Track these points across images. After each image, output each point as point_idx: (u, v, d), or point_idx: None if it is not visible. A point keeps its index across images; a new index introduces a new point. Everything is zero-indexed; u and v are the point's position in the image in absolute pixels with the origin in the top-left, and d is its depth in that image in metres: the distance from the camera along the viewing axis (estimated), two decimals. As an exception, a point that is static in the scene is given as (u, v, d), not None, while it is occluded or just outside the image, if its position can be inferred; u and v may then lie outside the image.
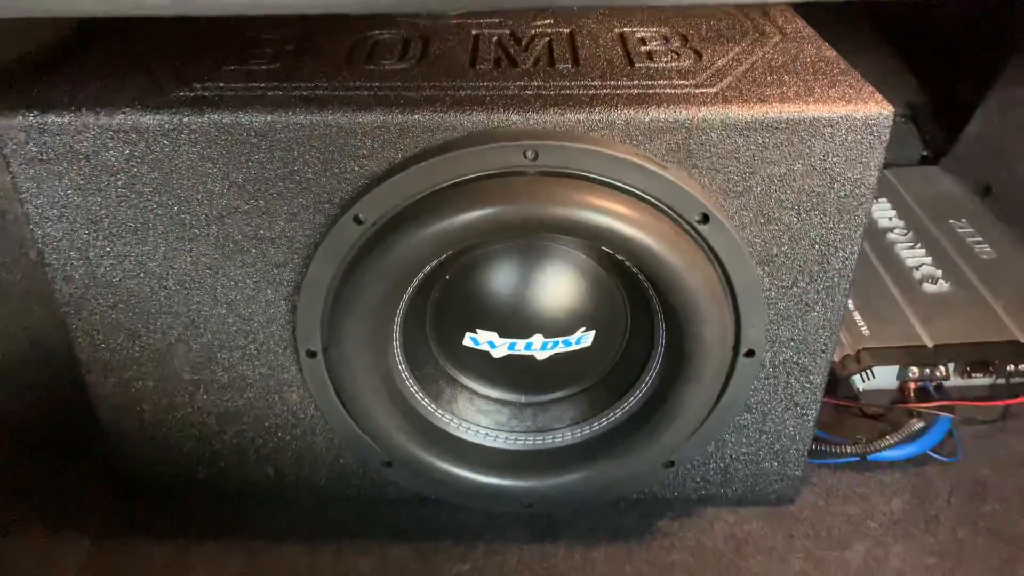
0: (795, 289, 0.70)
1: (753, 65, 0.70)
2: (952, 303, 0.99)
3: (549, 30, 0.78)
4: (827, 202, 0.66)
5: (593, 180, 0.63)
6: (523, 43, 0.75)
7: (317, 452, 0.80)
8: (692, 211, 0.64)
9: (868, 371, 0.93)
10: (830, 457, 0.86)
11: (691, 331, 0.67)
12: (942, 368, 0.93)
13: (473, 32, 0.78)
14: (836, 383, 0.93)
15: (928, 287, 1.02)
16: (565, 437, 0.76)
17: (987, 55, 1.32)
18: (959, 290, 1.01)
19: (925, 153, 1.40)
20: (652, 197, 0.64)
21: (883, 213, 1.17)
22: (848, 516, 0.81)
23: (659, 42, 0.75)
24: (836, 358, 0.93)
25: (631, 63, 0.70)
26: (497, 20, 0.79)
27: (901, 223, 1.15)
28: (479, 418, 0.77)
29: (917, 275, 1.04)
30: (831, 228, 0.67)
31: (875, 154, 0.63)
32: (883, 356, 0.92)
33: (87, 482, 0.85)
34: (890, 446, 0.85)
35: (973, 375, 0.93)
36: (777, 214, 0.66)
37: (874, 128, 0.62)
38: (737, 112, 0.62)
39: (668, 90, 0.65)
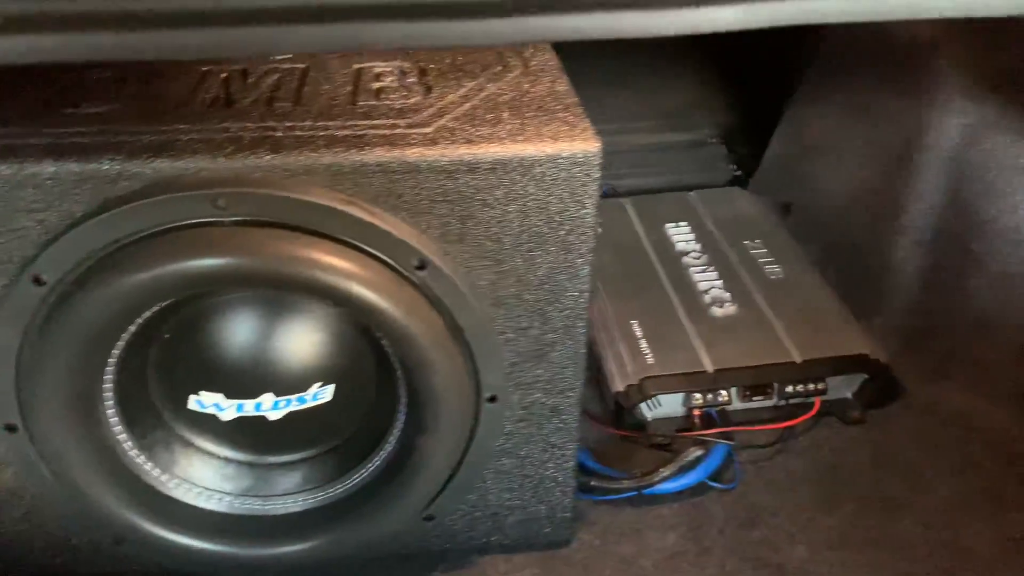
0: (532, 330, 0.67)
1: (481, 102, 0.67)
2: (737, 326, 0.99)
3: (285, 65, 0.74)
4: (549, 242, 0.64)
5: (297, 229, 0.59)
6: (250, 80, 0.71)
7: (49, 532, 0.72)
8: (407, 258, 0.61)
9: (654, 399, 0.92)
10: (606, 493, 0.84)
11: (421, 381, 0.64)
12: (724, 393, 0.93)
13: (203, 68, 0.73)
14: (622, 413, 0.92)
15: (716, 310, 1.02)
16: (298, 501, 0.71)
17: (784, 76, 1.36)
18: (745, 312, 1.02)
19: (738, 174, 1.42)
20: (362, 244, 0.60)
21: (681, 236, 1.16)
22: (622, 556, 0.79)
23: (394, 77, 0.72)
24: (620, 387, 0.92)
25: (354, 102, 0.67)
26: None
27: (698, 246, 1.15)
28: (221, 483, 0.72)
29: (707, 298, 1.04)
30: (557, 268, 0.65)
31: (589, 191, 0.62)
32: (665, 384, 0.92)
33: None
34: (665, 478, 0.84)
35: (753, 398, 0.93)
36: (500, 256, 0.64)
37: (584, 166, 0.61)
38: (441, 154, 0.60)
39: (381, 131, 0.62)
